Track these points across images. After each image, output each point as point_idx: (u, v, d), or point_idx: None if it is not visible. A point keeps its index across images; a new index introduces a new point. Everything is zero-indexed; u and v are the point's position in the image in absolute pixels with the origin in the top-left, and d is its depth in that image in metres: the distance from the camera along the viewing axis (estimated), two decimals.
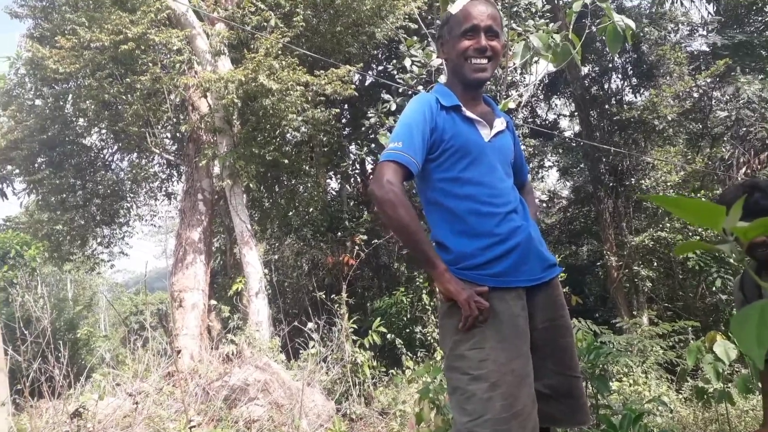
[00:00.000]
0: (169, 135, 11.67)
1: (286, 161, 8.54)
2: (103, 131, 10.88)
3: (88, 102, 8.46)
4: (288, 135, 8.76)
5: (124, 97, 8.46)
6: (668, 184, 11.27)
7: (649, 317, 10.48)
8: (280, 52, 7.53)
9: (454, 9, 1.80)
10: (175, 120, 9.67)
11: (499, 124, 1.84)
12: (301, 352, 6.10)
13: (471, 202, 1.70)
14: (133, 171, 11.44)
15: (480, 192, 1.71)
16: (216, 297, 9.03)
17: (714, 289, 9.94)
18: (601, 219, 12.54)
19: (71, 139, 10.29)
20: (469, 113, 1.78)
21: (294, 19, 7.79)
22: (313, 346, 5.98)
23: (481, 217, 1.69)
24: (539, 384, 1.68)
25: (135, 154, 11.58)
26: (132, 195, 12.38)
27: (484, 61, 1.76)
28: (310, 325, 6.15)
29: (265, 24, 7.71)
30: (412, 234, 1.63)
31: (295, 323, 6.48)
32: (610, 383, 5.70)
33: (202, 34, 8.20)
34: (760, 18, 12.77)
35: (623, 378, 6.28)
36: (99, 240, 12.17)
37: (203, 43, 8.19)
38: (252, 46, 7.87)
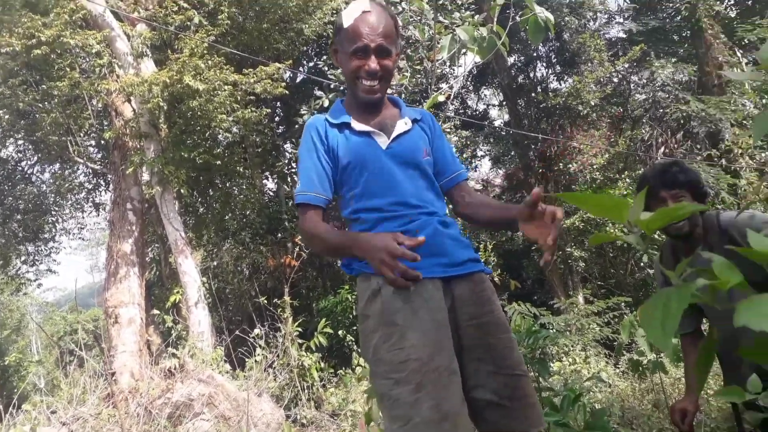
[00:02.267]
0: (93, 143, 11.16)
1: (218, 163, 8.35)
2: (20, 142, 10.29)
3: (1, 111, 7.98)
4: (219, 136, 8.58)
5: (40, 104, 8.03)
6: (594, 166, 11.76)
7: (584, 296, 10.93)
8: (205, 51, 7.33)
9: (344, 21, 1.75)
10: (98, 127, 9.25)
11: (402, 125, 1.81)
12: (246, 360, 6.00)
13: (378, 212, 1.72)
14: (56, 183, 10.89)
15: (385, 202, 1.71)
16: (153, 311, 8.74)
17: (642, 264, 10.47)
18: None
19: None
20: (360, 126, 1.77)
21: (219, 17, 7.60)
22: (259, 353, 5.88)
23: (389, 222, 1.70)
24: (482, 391, 1.61)
25: (57, 165, 11.02)
26: (57, 208, 11.79)
27: (375, 83, 1.74)
28: (256, 331, 6.05)
29: (189, 23, 7.49)
30: (331, 241, 1.69)
31: (237, 332, 6.36)
32: (551, 364, 5.92)
33: (122, 35, 7.87)
34: (671, 4, 13.49)
35: (563, 357, 6.50)
36: (23, 258, 11.52)
37: (124, 45, 7.86)
38: (176, 47, 7.63)
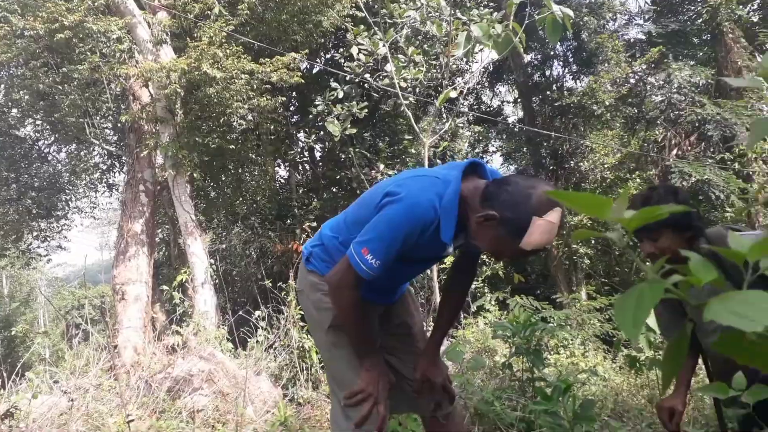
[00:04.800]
0: (109, 125, 11.29)
1: (232, 148, 8.42)
2: (38, 122, 10.44)
3: (21, 92, 8.10)
4: (234, 123, 8.65)
5: (60, 87, 8.13)
6: (605, 165, 11.75)
7: (587, 292, 10.94)
8: (224, 40, 7.39)
9: (540, 223, 1.57)
10: (115, 110, 9.37)
11: None
12: (248, 340, 6.12)
13: None
14: (72, 162, 11.04)
15: None
16: (160, 289, 8.91)
17: (646, 263, 10.43)
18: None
19: (4, 130, 9.84)
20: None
21: (239, 7, 7.66)
22: (261, 334, 5.99)
23: None
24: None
25: (74, 146, 11.16)
26: (71, 187, 11.95)
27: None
28: (257, 313, 6.16)
29: (209, 12, 7.56)
30: (360, 331, 1.88)
31: (240, 312, 6.45)
32: (548, 357, 5.97)
33: (142, 22, 7.95)
34: (692, 8, 13.38)
35: (561, 350, 6.55)
36: (35, 234, 11.71)
37: (144, 32, 7.95)
38: (195, 35, 7.71)
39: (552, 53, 13.71)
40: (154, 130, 8.24)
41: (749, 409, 1.61)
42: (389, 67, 5.35)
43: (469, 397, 3.68)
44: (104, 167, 12.37)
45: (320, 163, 12.05)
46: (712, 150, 11.16)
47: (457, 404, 2.31)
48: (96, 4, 7.36)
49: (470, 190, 1.68)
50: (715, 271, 0.74)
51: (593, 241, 11.61)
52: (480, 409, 3.56)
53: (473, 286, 8.98)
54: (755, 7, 14.08)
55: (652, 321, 3.85)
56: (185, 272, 8.01)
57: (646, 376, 4.87)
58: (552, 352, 6.28)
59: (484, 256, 8.09)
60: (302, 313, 2.20)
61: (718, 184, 9.74)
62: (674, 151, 11.59)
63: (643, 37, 13.83)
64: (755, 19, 13.25)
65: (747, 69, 11.58)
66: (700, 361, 2.28)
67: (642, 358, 4.08)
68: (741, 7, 11.78)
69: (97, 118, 8.92)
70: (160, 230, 11.92)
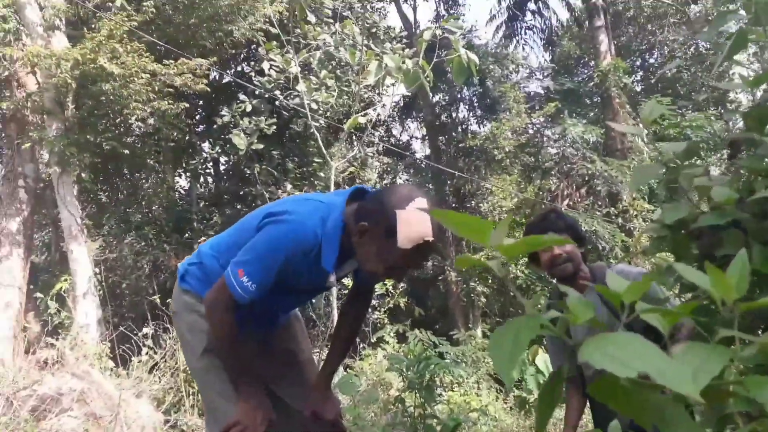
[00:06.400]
0: None
1: (127, 152, 7.97)
2: None
3: None
4: (132, 125, 8.19)
5: None
6: (503, 208, 12.30)
7: (483, 330, 11.30)
8: (125, 36, 7.02)
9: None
10: None
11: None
12: (131, 359, 5.69)
13: None
14: None
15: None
16: (35, 296, 8.15)
17: (539, 306, 10.95)
18: (443, 237, 13.31)
19: None
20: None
21: (144, 3, 7.33)
22: (146, 353, 5.61)
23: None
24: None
25: None
26: None
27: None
28: (145, 330, 5.78)
29: (110, 4, 7.16)
30: (236, 356, 1.74)
31: (122, 329, 6.00)
32: (443, 393, 6.02)
33: (33, 3, 7.39)
34: (585, 71, 14.60)
35: (456, 387, 6.64)
36: None
37: (35, 15, 7.38)
38: (93, 26, 7.26)
39: (459, 96, 14.37)
40: (39, 122, 7.66)
41: None
42: (300, 86, 5.30)
43: None
44: None
45: (224, 177, 11.66)
46: (599, 203, 12.02)
47: None
48: None
49: (349, 215, 1.64)
50: (592, 312, 0.73)
51: (490, 279, 12.04)
52: None
53: (374, 317, 8.97)
54: (638, 78, 15.66)
55: (541, 363, 3.98)
56: (66, 280, 7.40)
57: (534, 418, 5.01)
58: (446, 389, 6.33)
59: (380, 286, 8.13)
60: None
61: (604, 236, 10.49)
62: (566, 201, 12.37)
63: (542, 92, 14.89)
64: (638, 88, 14.69)
65: (630, 133, 12.73)
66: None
67: (531, 400, 4.18)
68: (626, 76, 12.99)
69: None
70: (44, 232, 11.10)
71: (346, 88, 7.52)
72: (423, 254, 1.59)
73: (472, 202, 13.07)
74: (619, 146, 12.63)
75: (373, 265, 1.62)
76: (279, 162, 9.57)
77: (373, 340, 7.99)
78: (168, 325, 5.75)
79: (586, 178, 11.98)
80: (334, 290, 5.47)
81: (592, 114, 14.65)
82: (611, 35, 13.45)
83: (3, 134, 9.04)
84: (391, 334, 8.12)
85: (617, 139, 12.59)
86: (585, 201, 12.35)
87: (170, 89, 7.66)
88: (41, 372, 5.45)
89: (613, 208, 11.41)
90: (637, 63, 16.70)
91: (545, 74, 15.11)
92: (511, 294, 12.64)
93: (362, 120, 5.14)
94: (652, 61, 16.60)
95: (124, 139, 8.20)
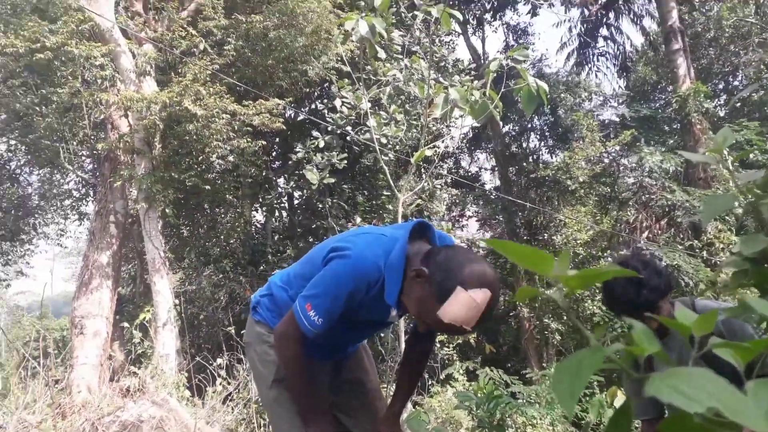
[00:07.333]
0: (86, 152, 11.16)
1: (208, 188, 8.37)
2: (13, 142, 10.28)
3: None
4: (213, 163, 8.62)
5: (38, 108, 8.06)
6: (578, 241, 11.90)
7: None
8: (208, 78, 7.46)
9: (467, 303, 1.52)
10: (93, 137, 9.29)
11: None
12: (207, 389, 5.87)
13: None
14: (44, 187, 10.83)
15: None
16: (121, 326, 8.57)
17: (604, 338, 10.44)
18: (515, 271, 13.01)
19: None
20: None
21: (225, 47, 7.78)
22: (220, 383, 5.76)
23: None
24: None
25: (47, 169, 10.98)
26: (39, 212, 11.67)
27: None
28: (219, 361, 5.94)
29: (195, 49, 7.65)
30: (305, 387, 1.80)
31: (198, 358, 6.22)
32: None
33: (127, 52, 8.00)
34: (663, 96, 14.03)
35: (529, 429, 6.40)
36: None
37: (128, 62, 7.98)
38: (180, 71, 7.76)
39: (529, 126, 14.19)
40: (130, 161, 8.15)
41: None
42: (371, 122, 5.44)
43: None
44: (77, 195, 12.14)
45: (298, 211, 12.01)
46: (681, 236, 11.41)
47: None
48: (80, 28, 7.38)
49: (414, 252, 1.63)
50: (657, 344, 0.70)
51: (564, 317, 11.62)
52: None
53: (443, 353, 8.83)
54: (721, 102, 14.87)
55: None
56: (148, 311, 7.74)
57: None
58: (518, 431, 6.12)
59: None
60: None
61: (687, 271, 9.90)
62: (645, 234, 11.82)
63: (617, 120, 14.42)
64: (722, 113, 13.93)
65: (714, 161, 12.05)
66: None
67: None
68: (708, 100, 12.38)
69: (74, 143, 8.80)
70: (130, 265, 11.61)
71: (414, 122, 7.63)
72: (451, 331, 1.57)
73: (545, 234, 12.73)
74: (701, 175, 11.97)
75: (410, 304, 1.62)
76: (349, 195, 9.77)
77: (442, 376, 7.84)
78: (242, 356, 5.91)
79: (666, 209, 11.42)
80: (402, 324, 5.47)
81: (671, 141, 14.02)
82: (690, 58, 12.91)
83: (98, 173, 9.76)
84: (461, 372, 7.94)
85: (699, 167, 11.93)
86: (666, 233, 11.75)
87: (249, 128, 8.03)
88: (124, 399, 5.70)
89: (696, 241, 10.78)
90: (720, 86, 15.91)
91: (620, 101, 14.67)
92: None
93: (429, 153, 5.19)
94: (736, 83, 15.80)
95: (205, 175, 8.61)
